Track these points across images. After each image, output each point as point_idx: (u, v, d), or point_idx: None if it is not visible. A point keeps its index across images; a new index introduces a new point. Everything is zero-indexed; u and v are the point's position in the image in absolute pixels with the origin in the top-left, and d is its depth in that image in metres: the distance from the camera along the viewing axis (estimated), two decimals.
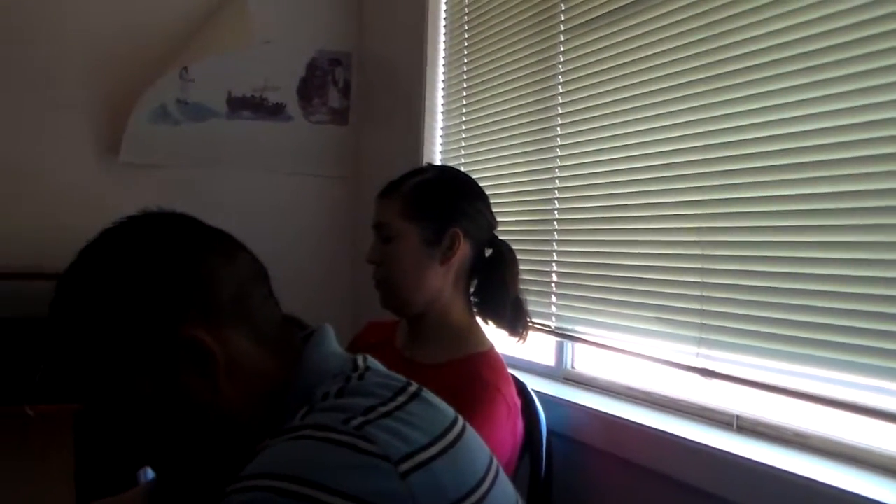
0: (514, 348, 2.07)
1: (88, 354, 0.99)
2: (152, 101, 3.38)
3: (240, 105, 3.56)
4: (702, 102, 1.78)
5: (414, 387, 1.02)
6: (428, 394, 1.03)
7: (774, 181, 1.60)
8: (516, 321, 1.97)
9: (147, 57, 3.43)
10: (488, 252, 1.98)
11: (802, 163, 1.54)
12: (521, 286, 2.00)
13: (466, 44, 2.93)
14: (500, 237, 2.02)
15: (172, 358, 0.97)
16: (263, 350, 1.03)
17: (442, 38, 3.12)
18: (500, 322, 1.97)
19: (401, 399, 0.97)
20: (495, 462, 1.02)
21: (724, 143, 1.72)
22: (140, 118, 3.37)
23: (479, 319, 1.99)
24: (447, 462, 0.91)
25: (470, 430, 1.02)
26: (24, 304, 3.18)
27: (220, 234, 1.08)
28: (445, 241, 1.90)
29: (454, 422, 0.99)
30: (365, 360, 1.07)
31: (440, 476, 0.89)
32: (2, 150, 3.30)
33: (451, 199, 1.94)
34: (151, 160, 3.43)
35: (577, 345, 2.31)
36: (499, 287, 1.95)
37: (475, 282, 1.98)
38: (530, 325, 2.01)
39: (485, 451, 1.02)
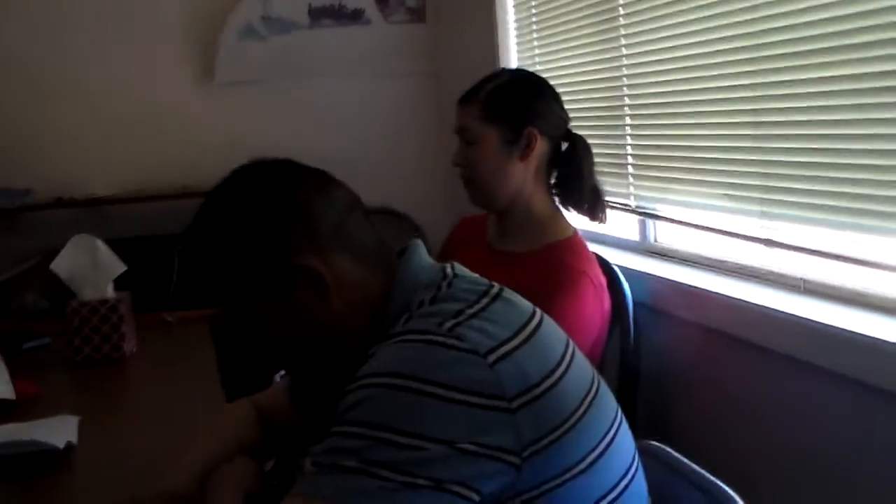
0: (602, 227, 2.23)
1: (221, 285, 1.21)
2: (239, 21, 3.59)
3: (320, 14, 3.72)
4: None
5: (496, 288, 1.19)
6: (508, 293, 1.20)
7: (823, 63, 1.70)
8: (595, 207, 2.13)
9: None
10: (564, 146, 2.13)
11: (845, 45, 1.64)
12: (597, 173, 2.15)
13: None
14: (577, 126, 2.16)
15: (291, 284, 1.18)
16: (364, 269, 1.22)
17: None
18: (580, 209, 2.13)
19: (484, 301, 1.14)
20: (571, 346, 1.20)
21: (776, 28, 1.82)
22: (229, 38, 3.58)
23: (561, 208, 2.16)
24: (527, 351, 1.09)
25: (547, 319, 1.20)
26: (147, 222, 3.47)
27: (318, 173, 1.26)
28: (523, 139, 2.05)
29: (532, 316, 1.17)
30: (453, 267, 1.24)
31: (522, 363, 1.07)
32: (117, 86, 3.59)
33: (525, 101, 2.08)
34: (244, 77, 3.64)
35: (658, 220, 2.46)
36: (576, 177, 2.11)
37: (554, 174, 2.14)
38: (608, 206, 2.17)
39: (561, 337, 1.20)
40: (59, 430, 1.75)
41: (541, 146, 2.07)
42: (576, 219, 2.17)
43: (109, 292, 2.42)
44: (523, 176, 2.07)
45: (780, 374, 1.82)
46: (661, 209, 2.38)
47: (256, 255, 1.18)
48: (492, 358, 1.05)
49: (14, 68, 3.51)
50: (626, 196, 2.50)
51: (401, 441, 0.99)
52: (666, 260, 2.39)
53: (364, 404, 1.03)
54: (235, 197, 1.22)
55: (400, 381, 1.02)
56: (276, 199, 1.20)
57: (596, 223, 2.16)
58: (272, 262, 1.18)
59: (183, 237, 1.24)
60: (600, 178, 2.16)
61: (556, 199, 2.15)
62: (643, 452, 1.27)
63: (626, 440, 1.19)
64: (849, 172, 1.67)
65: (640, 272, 2.29)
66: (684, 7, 2.13)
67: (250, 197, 1.21)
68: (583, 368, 1.19)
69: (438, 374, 1.02)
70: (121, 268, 2.42)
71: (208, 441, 1.44)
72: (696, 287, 2.09)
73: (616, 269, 2.22)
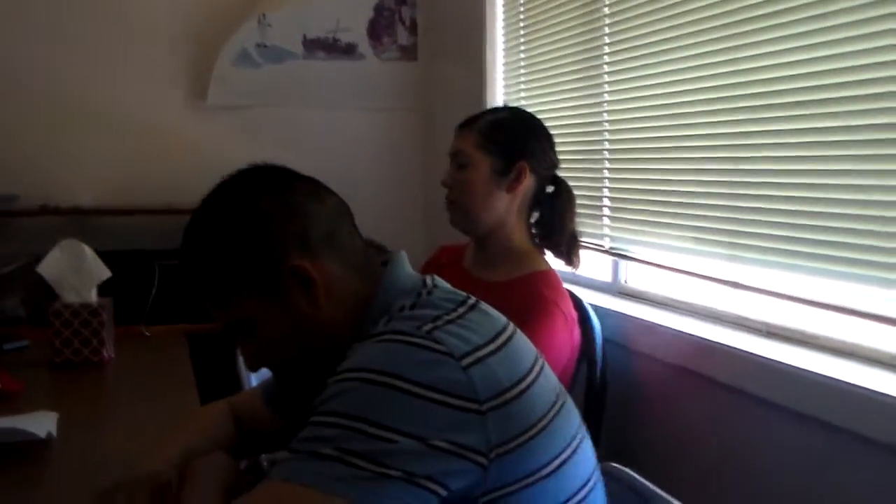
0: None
1: (217, 285, 1.28)
2: (235, 47, 3.69)
3: (314, 46, 3.82)
4: (735, 44, 1.96)
5: (472, 300, 1.27)
6: (484, 305, 1.27)
7: (796, 115, 1.80)
8: (571, 252, 2.22)
9: (227, 7, 3.74)
10: (549, 189, 2.22)
11: (818, 99, 1.74)
12: (577, 218, 2.23)
13: None
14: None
15: (282, 283, 1.25)
16: (351, 274, 1.29)
17: None
18: (557, 252, 2.22)
19: (461, 310, 1.22)
20: (540, 359, 1.27)
21: (752, 80, 1.92)
22: (224, 63, 3.68)
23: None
24: (499, 358, 1.16)
25: (519, 333, 1.27)
26: (129, 236, 3.52)
27: (313, 181, 1.34)
28: (513, 172, 2.14)
29: (505, 327, 1.24)
30: (433, 279, 1.32)
31: (494, 368, 1.14)
32: (109, 99, 3.67)
33: (522, 137, 2.18)
34: (235, 101, 3.73)
35: (631, 262, 2.55)
36: (558, 221, 2.20)
37: (536, 214, 2.22)
38: (584, 247, 2.25)
39: (531, 350, 1.27)
40: (40, 422, 1.79)
41: (528, 182, 2.15)
42: (551, 261, 2.24)
43: (92, 297, 2.46)
44: (507, 207, 2.15)
45: (741, 410, 1.90)
46: (635, 251, 2.46)
47: (251, 254, 1.25)
48: (466, 362, 1.12)
49: (4, 75, 3.56)
50: (601, 237, 2.59)
51: (375, 433, 1.05)
52: (636, 301, 2.47)
53: (342, 396, 1.10)
54: (233, 197, 1.29)
55: (377, 376, 1.09)
56: (272, 201, 1.27)
57: (569, 268, 2.24)
58: (265, 262, 1.25)
59: (183, 232, 1.30)
60: (578, 220, 2.25)
61: (536, 241, 2.23)
62: (605, 474, 1.33)
63: (587, 451, 1.26)
64: (814, 220, 1.77)
65: (610, 310, 2.37)
66: (667, 58, 2.23)
67: (248, 198, 1.28)
68: (550, 380, 1.26)
69: (415, 373, 1.09)
70: (105, 274, 2.47)
71: (187, 433, 1.50)
72: (662, 326, 2.17)
73: (587, 305, 2.30)
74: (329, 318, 1.27)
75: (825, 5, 1.71)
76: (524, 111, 2.36)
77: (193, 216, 1.31)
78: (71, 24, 3.62)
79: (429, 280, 1.30)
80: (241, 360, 2.21)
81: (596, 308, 2.32)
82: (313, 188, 1.33)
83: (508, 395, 1.13)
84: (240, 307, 1.27)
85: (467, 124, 2.21)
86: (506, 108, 2.35)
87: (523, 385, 1.16)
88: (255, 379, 2.15)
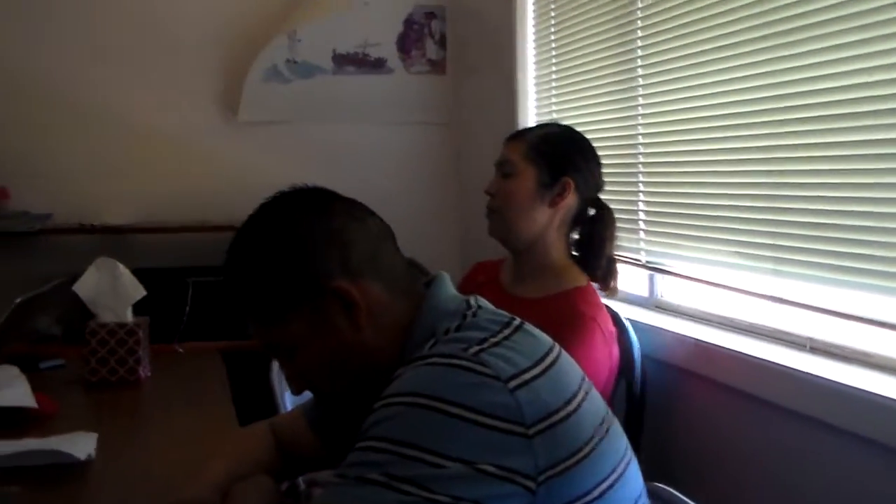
0: None
1: (259, 308, 1.27)
2: (265, 63, 3.70)
3: (344, 61, 3.83)
4: (773, 55, 1.94)
5: (517, 321, 1.25)
6: (529, 326, 1.26)
7: (837, 128, 1.77)
8: (608, 276, 2.21)
9: (258, 24, 3.75)
10: (591, 211, 2.21)
11: (859, 112, 1.71)
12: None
13: None
14: None
15: (324, 306, 1.24)
16: (394, 296, 1.28)
17: None
18: (594, 275, 2.21)
19: (507, 331, 1.20)
20: (586, 380, 1.25)
21: (790, 93, 1.89)
22: (255, 79, 3.69)
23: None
24: (546, 380, 1.15)
25: (564, 354, 1.25)
26: (164, 254, 3.53)
27: (354, 203, 1.33)
28: (557, 186, 2.13)
29: (551, 348, 1.23)
30: (476, 300, 1.30)
31: (540, 391, 1.12)
32: (142, 117, 3.69)
33: (570, 153, 2.18)
34: (266, 117, 3.74)
35: (667, 276, 2.52)
36: (598, 244, 2.20)
37: (576, 234, 2.21)
38: (619, 261, 2.23)
39: (577, 371, 1.25)
40: (80, 444, 1.79)
41: (571, 199, 2.15)
42: None
43: (128, 316, 2.47)
44: (547, 221, 2.15)
45: (783, 426, 1.87)
46: (672, 265, 2.44)
47: (292, 277, 1.24)
48: (512, 384, 1.10)
49: (42, 94, 3.59)
50: (637, 251, 2.56)
51: (423, 458, 1.04)
52: (672, 315, 2.45)
53: (389, 421, 1.08)
54: (274, 220, 1.29)
55: (425, 400, 1.08)
56: (312, 223, 1.27)
57: (604, 293, 2.23)
58: (307, 284, 1.24)
59: (225, 255, 1.30)
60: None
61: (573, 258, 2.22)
62: (651, 495, 1.32)
63: (635, 473, 1.24)
64: (859, 234, 1.74)
65: (648, 325, 2.35)
66: (702, 70, 2.21)
67: (288, 220, 1.28)
68: (596, 402, 1.24)
69: (462, 397, 1.07)
70: (141, 293, 2.47)
71: (229, 458, 1.49)
72: (702, 341, 2.14)
73: (625, 321, 2.28)
74: (371, 340, 1.25)
75: (868, 16, 1.68)
76: (576, 130, 2.35)
77: (234, 239, 1.30)
78: (105, 42, 3.65)
79: (472, 301, 1.29)
80: (274, 376, 2.23)
81: (633, 323, 2.30)
82: (354, 210, 1.32)
83: (555, 419, 1.11)
84: (281, 330, 1.26)
85: (517, 136, 2.23)
86: (557, 125, 2.35)
87: (570, 408, 1.15)
88: (291, 396, 2.14)
